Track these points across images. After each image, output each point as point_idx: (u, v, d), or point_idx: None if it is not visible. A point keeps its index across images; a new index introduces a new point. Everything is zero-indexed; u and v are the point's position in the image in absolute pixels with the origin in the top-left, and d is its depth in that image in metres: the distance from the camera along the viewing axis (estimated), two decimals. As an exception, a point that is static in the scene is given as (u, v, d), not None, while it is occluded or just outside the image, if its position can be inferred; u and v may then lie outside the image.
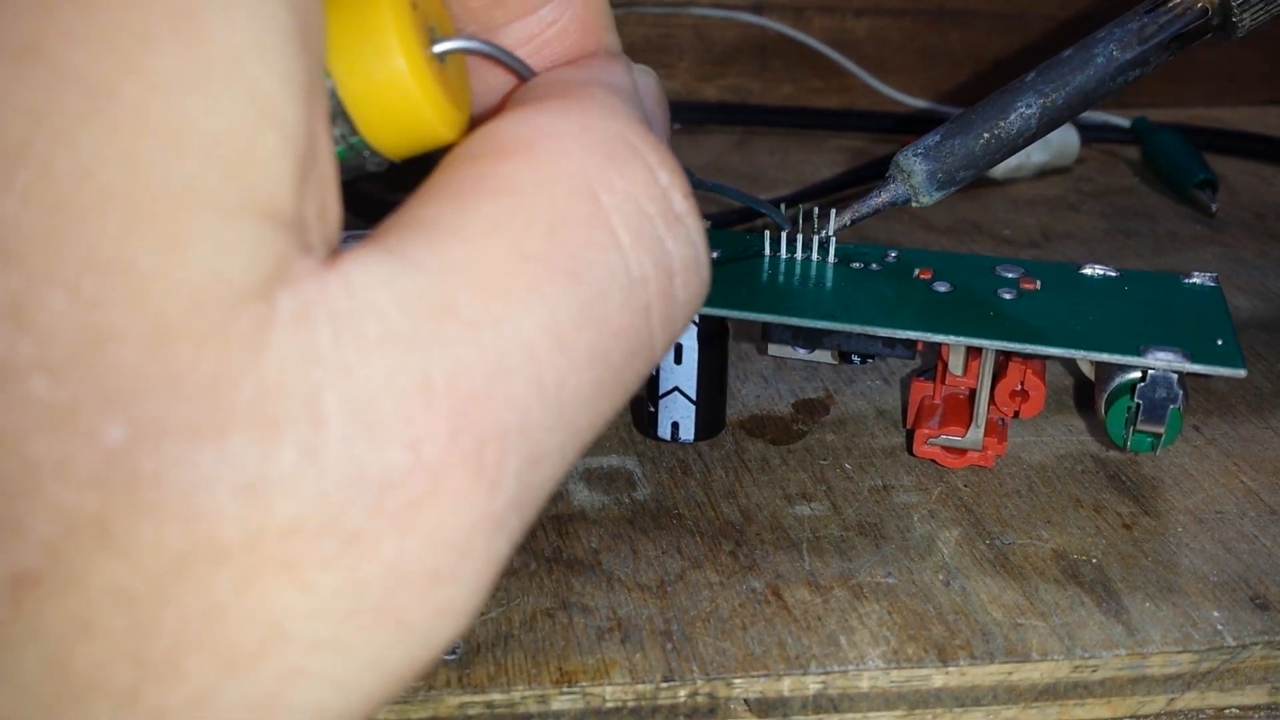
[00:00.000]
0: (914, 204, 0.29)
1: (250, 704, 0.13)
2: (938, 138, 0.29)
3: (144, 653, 0.12)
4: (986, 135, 0.28)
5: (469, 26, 0.19)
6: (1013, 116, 0.28)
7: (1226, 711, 0.25)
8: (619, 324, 0.15)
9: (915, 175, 0.29)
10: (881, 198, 0.30)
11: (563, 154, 0.15)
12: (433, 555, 0.13)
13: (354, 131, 0.17)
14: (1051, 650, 0.24)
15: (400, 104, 0.16)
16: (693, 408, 0.30)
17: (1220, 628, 0.25)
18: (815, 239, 0.31)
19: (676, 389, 0.30)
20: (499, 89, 0.19)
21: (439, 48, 0.17)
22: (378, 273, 0.13)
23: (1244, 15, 0.27)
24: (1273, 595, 0.26)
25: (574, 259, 0.15)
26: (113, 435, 0.12)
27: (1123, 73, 0.28)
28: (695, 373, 0.30)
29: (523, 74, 0.19)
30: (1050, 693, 0.25)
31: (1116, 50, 0.28)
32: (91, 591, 0.12)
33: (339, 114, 0.16)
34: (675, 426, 0.31)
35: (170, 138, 0.12)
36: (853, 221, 0.30)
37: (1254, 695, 0.25)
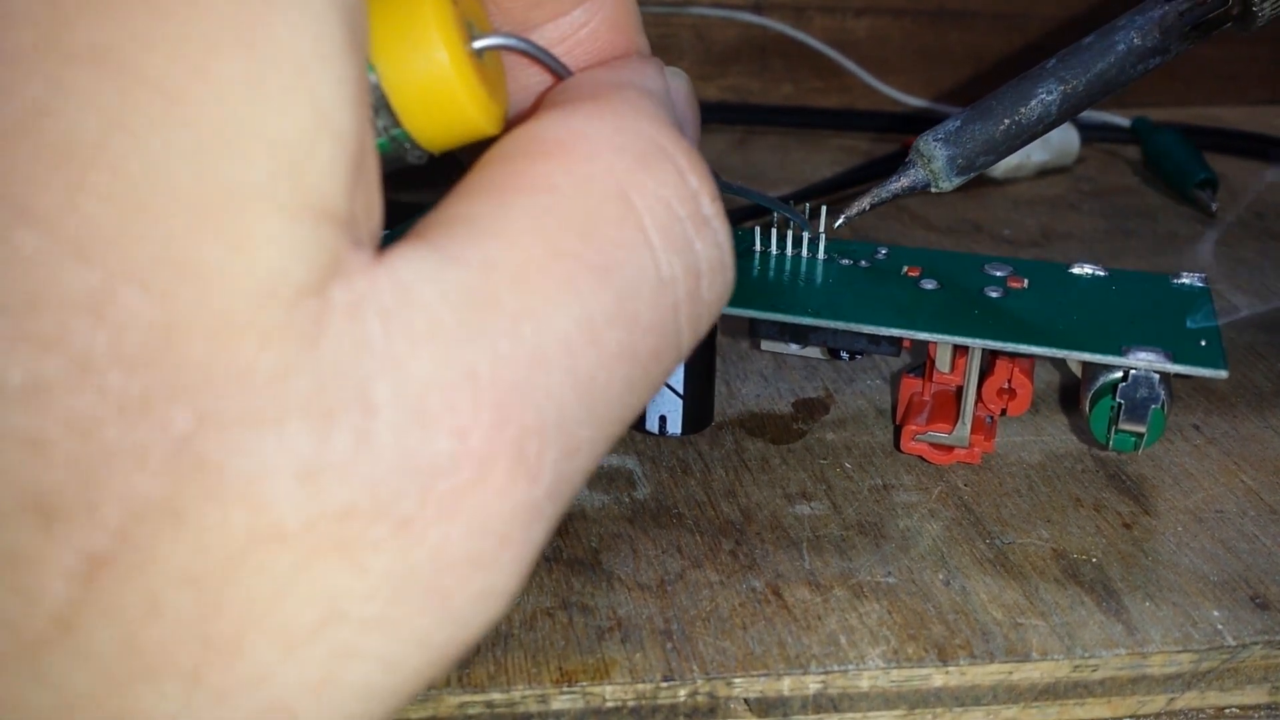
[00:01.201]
0: (933, 189, 0.29)
1: (306, 683, 0.13)
2: (958, 123, 0.29)
3: (209, 632, 0.13)
4: (1007, 121, 0.28)
5: (504, 26, 0.19)
6: (1034, 103, 0.28)
7: (1226, 711, 0.25)
8: (648, 322, 0.16)
9: (935, 160, 0.29)
10: (901, 182, 0.29)
11: (597, 156, 0.16)
12: (476, 541, 0.14)
13: (396, 124, 0.17)
14: (1051, 650, 0.24)
15: (442, 96, 0.17)
16: (680, 402, 0.31)
17: (1220, 627, 0.25)
18: (805, 235, 0.31)
19: (664, 383, 0.30)
20: (533, 88, 0.20)
21: (479, 44, 0.18)
22: (423, 268, 0.14)
23: (1264, 4, 0.27)
24: (1273, 595, 0.26)
25: (606, 257, 0.15)
26: (181, 424, 0.12)
27: (1143, 60, 0.28)
28: (682, 367, 0.30)
29: (558, 72, 0.19)
30: (1050, 692, 0.25)
31: (1137, 38, 0.28)
32: (161, 573, 0.12)
33: (382, 107, 0.17)
34: (663, 420, 0.31)
35: (236, 141, 0.13)
36: (872, 206, 0.30)
37: (1254, 695, 0.25)
